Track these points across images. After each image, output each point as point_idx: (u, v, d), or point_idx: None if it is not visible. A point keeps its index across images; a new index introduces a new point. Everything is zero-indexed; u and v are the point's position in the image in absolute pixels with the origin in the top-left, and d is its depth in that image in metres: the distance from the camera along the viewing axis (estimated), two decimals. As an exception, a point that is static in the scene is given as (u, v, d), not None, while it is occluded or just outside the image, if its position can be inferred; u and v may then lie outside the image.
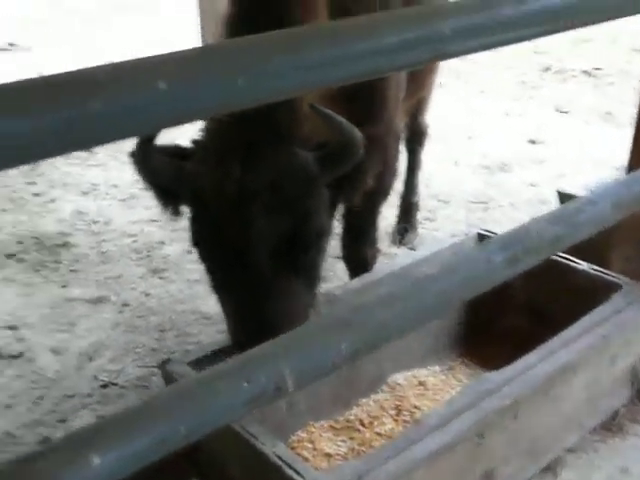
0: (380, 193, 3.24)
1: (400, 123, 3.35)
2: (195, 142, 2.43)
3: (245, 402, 1.39)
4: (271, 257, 2.26)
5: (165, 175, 2.38)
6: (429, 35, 1.37)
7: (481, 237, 3.27)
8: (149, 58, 1.12)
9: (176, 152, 2.42)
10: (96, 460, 1.18)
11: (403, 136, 4.33)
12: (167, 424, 1.28)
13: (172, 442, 1.31)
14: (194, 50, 1.15)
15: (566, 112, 6.53)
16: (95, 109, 1.03)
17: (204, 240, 2.39)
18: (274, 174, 2.26)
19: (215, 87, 1.08)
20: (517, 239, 1.91)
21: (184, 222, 4.81)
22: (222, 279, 2.41)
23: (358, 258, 3.37)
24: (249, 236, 2.23)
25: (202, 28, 5.22)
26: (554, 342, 2.57)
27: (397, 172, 3.31)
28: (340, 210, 3.26)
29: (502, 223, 4.44)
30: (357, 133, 2.32)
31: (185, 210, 2.49)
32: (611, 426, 2.86)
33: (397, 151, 3.29)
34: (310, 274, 2.45)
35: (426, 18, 1.40)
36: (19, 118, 0.99)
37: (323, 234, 2.46)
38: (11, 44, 8.94)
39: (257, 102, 1.15)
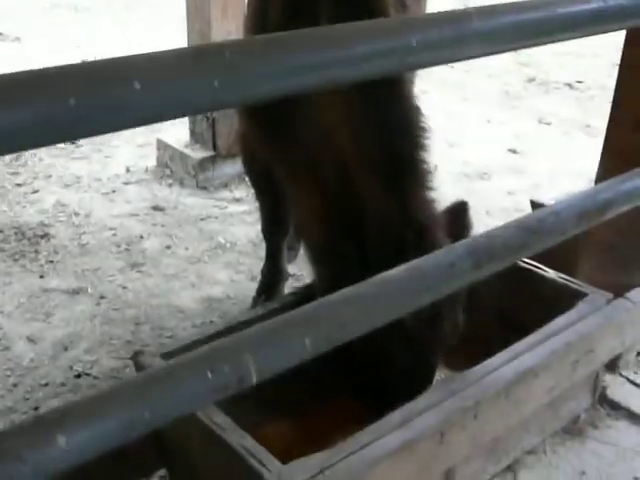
0: None
1: None
2: None
3: (208, 391, 1.44)
4: None
5: None
6: (396, 47, 1.43)
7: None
8: (125, 58, 1.18)
9: None
10: (62, 440, 1.23)
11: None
12: (132, 409, 1.33)
13: (137, 427, 1.36)
14: (170, 52, 1.21)
15: (548, 123, 6.63)
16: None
17: None
18: None
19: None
20: (482, 245, 1.97)
21: (163, 217, 4.83)
22: None
23: None
24: None
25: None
26: (517, 347, 2.64)
27: None
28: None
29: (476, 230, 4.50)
30: None
31: None
32: (571, 430, 2.95)
33: None
34: None
35: (394, 30, 1.47)
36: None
37: None
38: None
39: (231, 106, 1.21)
